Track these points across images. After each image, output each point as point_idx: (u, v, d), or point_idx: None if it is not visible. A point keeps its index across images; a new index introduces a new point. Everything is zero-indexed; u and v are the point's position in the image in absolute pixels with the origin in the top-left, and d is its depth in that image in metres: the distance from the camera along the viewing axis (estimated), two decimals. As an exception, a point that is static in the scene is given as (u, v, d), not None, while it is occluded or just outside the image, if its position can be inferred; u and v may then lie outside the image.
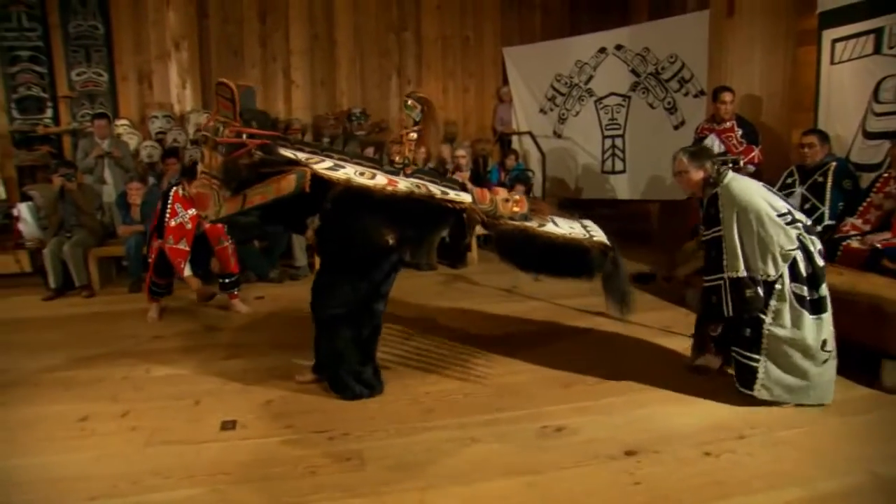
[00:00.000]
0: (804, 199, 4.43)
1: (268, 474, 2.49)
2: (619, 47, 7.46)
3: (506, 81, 8.65)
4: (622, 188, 7.71)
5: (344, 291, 3.11)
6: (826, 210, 4.31)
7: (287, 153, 2.80)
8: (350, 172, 2.75)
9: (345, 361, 3.17)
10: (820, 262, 2.98)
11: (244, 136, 2.83)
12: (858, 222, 4.11)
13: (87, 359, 3.87)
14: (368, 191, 2.70)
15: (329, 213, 3.04)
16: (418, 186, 2.87)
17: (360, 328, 3.17)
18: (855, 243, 3.91)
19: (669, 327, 4.19)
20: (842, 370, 3.09)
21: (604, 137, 7.80)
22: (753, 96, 5.64)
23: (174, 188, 4.61)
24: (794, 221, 2.96)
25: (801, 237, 2.96)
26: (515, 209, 3.13)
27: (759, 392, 3.03)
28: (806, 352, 2.96)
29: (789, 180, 4.58)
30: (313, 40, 8.02)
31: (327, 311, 3.15)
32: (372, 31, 8.21)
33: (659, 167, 7.06)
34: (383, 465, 2.55)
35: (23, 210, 5.77)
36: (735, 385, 3.14)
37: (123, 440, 2.80)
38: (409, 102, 3.10)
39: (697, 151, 3.28)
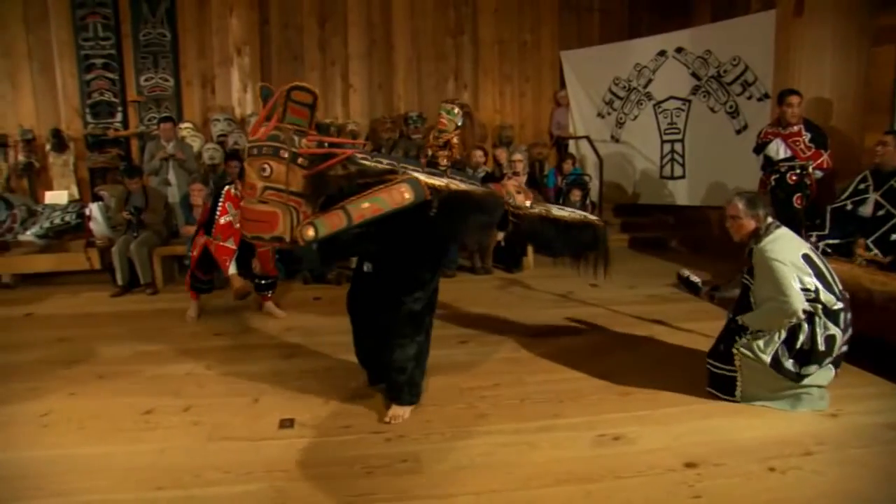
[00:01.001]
0: (877, 206, 4.24)
1: (325, 473, 2.53)
2: (679, 50, 7.32)
3: (563, 85, 8.60)
4: (681, 194, 7.56)
5: (422, 292, 3.02)
6: (903, 218, 4.12)
7: (371, 162, 2.73)
8: (428, 178, 2.76)
9: (421, 361, 3.08)
10: (822, 346, 2.92)
11: (325, 146, 2.63)
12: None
13: (151, 354, 4.02)
14: (469, 194, 2.77)
15: (432, 217, 2.84)
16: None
17: (429, 326, 3.13)
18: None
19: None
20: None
21: (662, 142, 7.67)
22: (823, 99, 5.44)
23: (227, 187, 4.66)
24: (815, 300, 2.91)
25: (815, 316, 2.92)
26: (527, 201, 3.37)
27: (739, 397, 3.10)
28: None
29: (862, 186, 4.38)
30: (371, 45, 8.14)
31: (406, 311, 2.98)
32: (429, 35, 8.29)
33: (719, 172, 6.91)
34: (439, 468, 2.56)
35: (94, 210, 6.02)
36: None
37: (186, 434, 2.89)
38: (453, 108, 3.12)
39: (753, 199, 3.14)
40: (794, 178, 4.94)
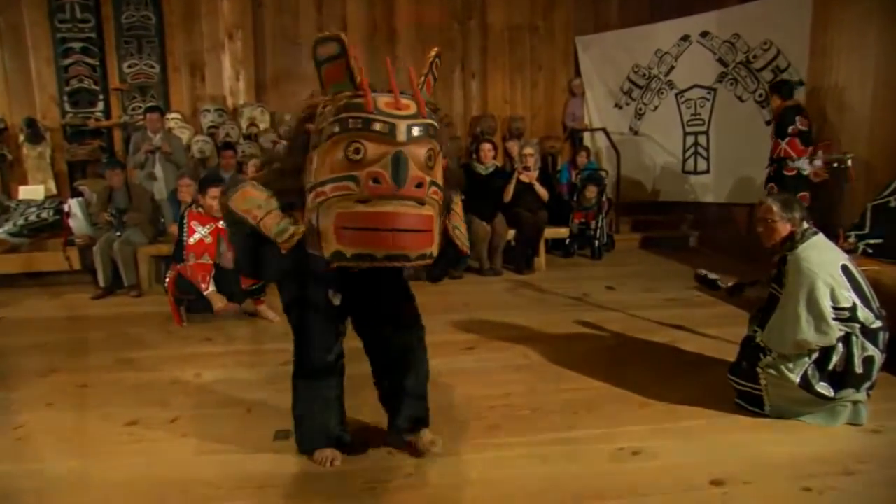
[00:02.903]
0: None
1: (323, 488, 2.51)
2: (704, 34, 7.32)
3: (578, 73, 8.60)
4: (705, 190, 7.56)
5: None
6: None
7: None
8: None
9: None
10: (859, 368, 2.84)
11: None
12: None
13: (135, 360, 4.01)
14: None
15: None
16: None
17: None
18: None
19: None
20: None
21: (685, 134, 7.67)
22: (865, 86, 5.39)
23: (189, 208, 4.86)
24: (851, 319, 2.82)
25: (852, 335, 2.84)
26: None
27: (769, 411, 3.04)
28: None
29: (906, 181, 4.38)
30: (372, 30, 8.15)
31: (417, 338, 2.78)
32: (434, 20, 8.29)
33: (748, 167, 6.88)
34: (445, 482, 2.54)
35: (73, 206, 6.02)
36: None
37: (173, 447, 2.88)
38: None
39: (789, 201, 3.06)
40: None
